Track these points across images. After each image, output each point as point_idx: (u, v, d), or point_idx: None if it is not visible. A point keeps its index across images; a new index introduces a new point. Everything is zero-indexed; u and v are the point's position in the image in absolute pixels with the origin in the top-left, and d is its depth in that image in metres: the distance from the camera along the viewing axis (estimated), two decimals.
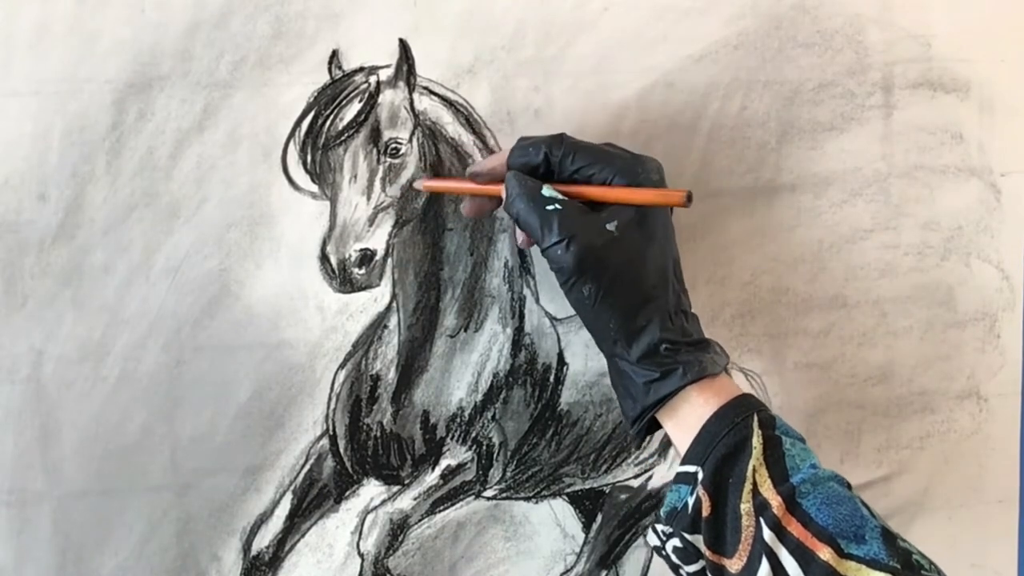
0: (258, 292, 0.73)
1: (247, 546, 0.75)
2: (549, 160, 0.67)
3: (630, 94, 0.77)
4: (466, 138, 0.75)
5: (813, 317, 0.82)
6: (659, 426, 0.67)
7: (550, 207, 0.64)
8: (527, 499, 0.80)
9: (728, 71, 0.78)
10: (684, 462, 0.64)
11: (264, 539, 0.75)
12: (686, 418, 0.65)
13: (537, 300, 0.78)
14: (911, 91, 0.82)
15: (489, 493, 0.79)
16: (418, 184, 0.73)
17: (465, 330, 0.76)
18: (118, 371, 0.71)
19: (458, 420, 0.77)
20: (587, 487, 0.81)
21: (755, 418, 0.63)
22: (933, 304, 0.84)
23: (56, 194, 0.69)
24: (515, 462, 0.78)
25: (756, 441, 0.62)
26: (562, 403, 0.78)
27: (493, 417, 0.77)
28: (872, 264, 0.82)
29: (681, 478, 0.64)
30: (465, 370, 0.77)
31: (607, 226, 0.64)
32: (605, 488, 0.81)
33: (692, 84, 0.78)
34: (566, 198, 0.65)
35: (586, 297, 0.65)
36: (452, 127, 0.74)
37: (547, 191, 0.65)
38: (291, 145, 0.72)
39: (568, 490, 0.80)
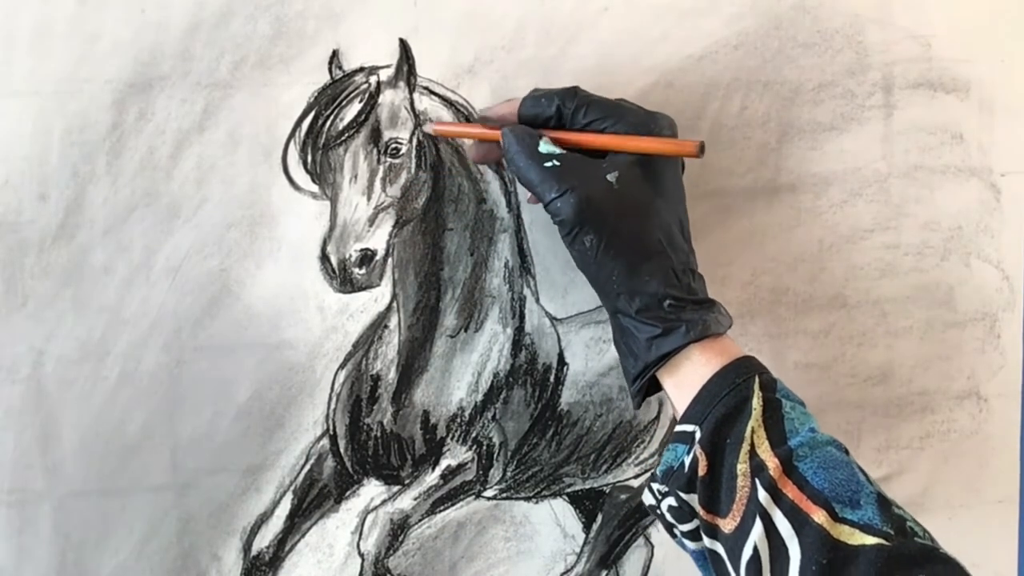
0: (258, 292, 0.73)
1: (247, 546, 0.75)
2: (561, 112, 0.66)
3: (630, 94, 0.77)
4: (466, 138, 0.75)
5: (813, 317, 0.82)
6: (659, 388, 0.66)
7: (547, 163, 0.64)
8: (527, 499, 0.80)
9: (728, 71, 0.78)
10: (683, 421, 0.63)
11: (264, 539, 0.75)
12: (687, 377, 0.64)
13: (537, 300, 0.78)
14: (911, 91, 0.82)
15: (489, 493, 0.79)
16: (428, 127, 0.73)
17: (465, 330, 0.76)
18: (118, 371, 0.71)
19: (458, 420, 0.77)
20: (587, 487, 0.81)
21: (756, 380, 0.62)
22: (933, 304, 0.84)
23: (56, 194, 0.69)
24: (515, 462, 0.78)
25: (756, 403, 0.61)
26: (562, 403, 0.78)
27: (493, 417, 0.77)
28: (872, 264, 0.82)
29: (679, 437, 0.63)
30: (465, 370, 0.77)
31: (607, 176, 0.64)
32: (605, 488, 0.81)
33: (692, 84, 0.78)
34: (564, 151, 0.65)
35: (588, 248, 0.64)
36: None
37: (544, 147, 0.65)
38: (291, 145, 0.72)
39: (568, 490, 0.80)
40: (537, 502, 0.80)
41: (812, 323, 0.82)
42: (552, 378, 0.78)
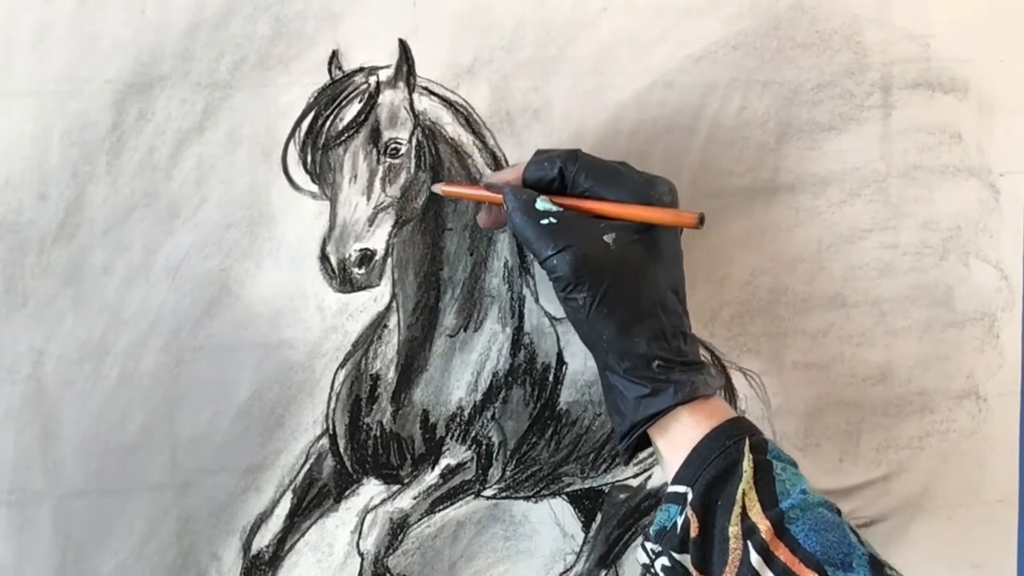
0: (258, 292, 0.73)
1: (247, 545, 0.75)
2: (563, 175, 0.67)
3: (629, 94, 0.77)
4: (466, 138, 0.75)
5: (812, 317, 0.82)
6: (648, 443, 0.67)
7: (544, 220, 0.65)
8: (526, 498, 0.80)
9: (727, 71, 0.78)
10: (674, 482, 0.64)
11: (264, 538, 0.75)
12: (677, 438, 0.65)
13: (536, 300, 0.78)
14: (910, 91, 0.82)
15: (488, 492, 0.79)
16: (436, 188, 0.73)
17: (465, 330, 0.77)
18: (118, 371, 0.72)
19: (458, 419, 0.77)
20: (586, 486, 0.81)
21: (746, 442, 0.63)
22: (932, 304, 0.84)
23: (56, 194, 0.70)
24: (514, 461, 0.78)
25: (747, 465, 0.62)
26: (561, 402, 0.78)
27: (492, 416, 0.77)
28: (871, 264, 0.83)
29: (671, 498, 0.64)
30: (465, 369, 0.77)
31: (604, 237, 0.65)
32: (604, 487, 0.81)
33: (691, 84, 0.78)
34: (561, 209, 0.66)
35: (580, 306, 0.65)
36: (452, 127, 0.75)
37: (540, 204, 0.66)
38: (291, 145, 0.72)
39: (567, 489, 0.80)
40: (536, 501, 0.80)
41: (811, 323, 0.82)
42: (551, 377, 0.78)
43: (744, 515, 0.60)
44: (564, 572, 0.81)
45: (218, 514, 0.74)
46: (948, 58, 0.82)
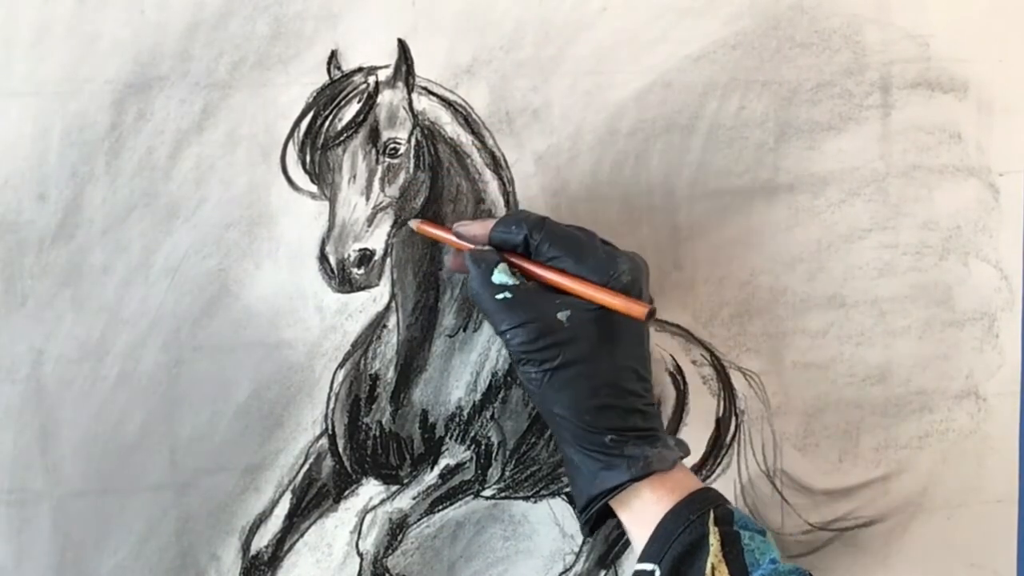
0: (257, 292, 0.73)
1: (246, 545, 0.75)
2: (528, 241, 0.67)
3: (628, 94, 0.77)
4: (465, 138, 0.75)
5: (811, 317, 0.82)
6: (611, 515, 0.67)
7: (499, 295, 0.65)
8: (526, 498, 0.80)
9: (726, 71, 0.78)
10: (641, 559, 0.64)
11: (263, 538, 0.75)
12: (640, 514, 0.65)
13: None
14: (909, 91, 0.82)
15: (488, 492, 0.79)
16: (412, 223, 0.73)
17: (464, 330, 0.77)
18: (117, 371, 0.72)
19: (457, 419, 0.77)
20: None
21: (711, 515, 0.62)
22: (931, 304, 0.84)
23: (56, 194, 0.70)
24: (514, 461, 0.78)
25: (713, 539, 0.62)
26: None
27: (492, 416, 0.77)
28: (870, 264, 0.83)
29: (638, 575, 0.63)
30: (464, 369, 0.77)
31: (559, 314, 0.64)
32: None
33: (690, 84, 0.78)
34: (518, 283, 0.65)
35: (533, 379, 0.65)
36: (451, 127, 0.75)
37: (498, 276, 0.65)
38: (290, 145, 0.72)
39: (567, 489, 0.80)
40: (536, 501, 0.80)
41: (810, 323, 0.82)
42: None
43: None
44: (563, 572, 0.81)
45: (217, 514, 0.74)
46: (947, 58, 0.82)
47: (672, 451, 0.66)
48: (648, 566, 0.63)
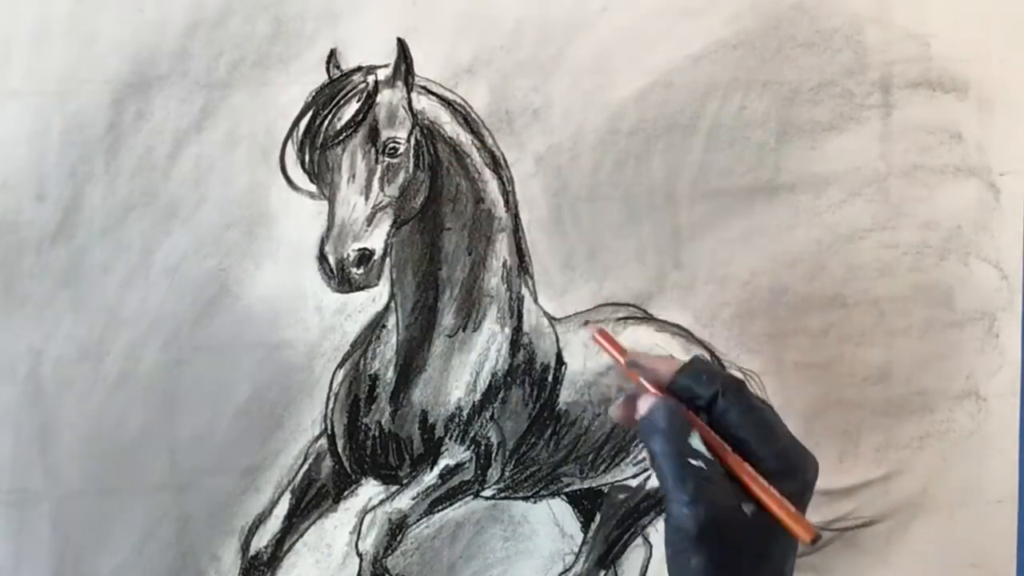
0: (257, 292, 0.73)
1: (246, 546, 0.75)
2: (715, 402, 0.61)
3: (629, 94, 0.77)
4: (464, 138, 0.75)
5: (812, 317, 0.82)
6: None
7: (694, 462, 0.58)
8: (525, 499, 0.80)
9: (727, 71, 0.78)
10: None
11: (263, 539, 0.75)
12: None
13: (535, 300, 0.78)
14: (910, 91, 0.82)
15: (487, 493, 0.79)
16: (592, 328, 0.72)
17: (463, 330, 0.76)
18: (117, 371, 0.71)
19: (456, 420, 0.77)
20: (585, 487, 0.81)
21: None
22: (932, 304, 0.84)
23: (55, 194, 0.69)
24: (513, 462, 0.78)
25: None
26: (560, 403, 0.78)
27: (491, 417, 0.77)
28: (871, 264, 0.82)
29: None
30: (463, 370, 0.77)
31: (743, 506, 0.58)
32: (603, 488, 0.81)
33: (691, 84, 0.78)
34: (712, 458, 0.59)
35: (691, 566, 0.57)
36: (450, 126, 0.74)
37: (696, 442, 0.59)
38: (289, 145, 0.72)
39: (566, 490, 0.80)
40: (535, 502, 0.80)
41: (811, 323, 0.82)
42: (550, 378, 0.78)
43: None
44: (563, 572, 0.81)
45: (217, 514, 0.74)
46: (948, 57, 0.82)
47: None
48: None
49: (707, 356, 0.80)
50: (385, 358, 0.76)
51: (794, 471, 0.60)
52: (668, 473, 0.59)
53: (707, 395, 0.62)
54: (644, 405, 0.62)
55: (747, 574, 0.58)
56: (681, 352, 0.80)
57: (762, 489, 0.58)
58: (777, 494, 0.58)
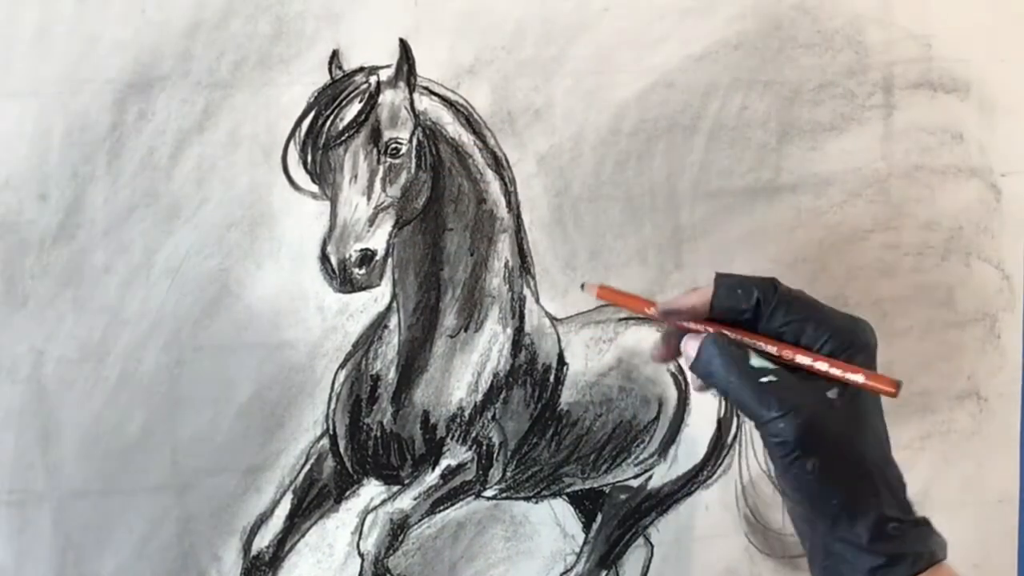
0: (258, 292, 0.73)
1: (247, 546, 0.75)
2: (759, 307, 0.60)
3: (630, 94, 0.77)
4: (466, 138, 0.75)
5: None
6: None
7: (764, 379, 0.58)
8: (527, 499, 0.80)
9: (728, 71, 0.78)
10: None
11: (264, 539, 0.75)
12: None
13: (537, 300, 0.78)
14: (911, 91, 0.82)
15: (489, 493, 0.79)
16: (589, 289, 0.67)
17: (465, 330, 0.76)
18: (119, 371, 0.71)
19: (458, 420, 0.77)
20: (587, 487, 0.81)
21: None
22: (933, 304, 0.84)
23: (57, 194, 0.69)
24: (515, 462, 0.78)
25: None
26: (562, 403, 0.78)
27: (493, 417, 0.77)
28: (872, 264, 0.83)
29: None
30: (465, 370, 0.77)
31: (828, 394, 0.58)
32: (605, 488, 0.81)
33: (692, 84, 0.78)
34: (778, 366, 0.59)
35: (809, 472, 0.57)
36: (452, 127, 0.75)
37: (756, 361, 0.59)
38: (291, 145, 0.72)
39: (568, 490, 0.80)
40: (537, 502, 0.80)
41: None
42: (552, 378, 0.78)
43: None
44: (564, 572, 0.81)
45: (218, 515, 0.74)
46: (950, 58, 0.82)
47: (942, 537, 0.61)
48: None
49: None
50: (387, 358, 0.76)
51: (853, 341, 0.60)
52: (747, 398, 0.58)
53: (751, 303, 0.60)
54: (691, 347, 0.61)
55: (860, 455, 0.58)
56: None
57: (835, 365, 0.58)
58: (847, 365, 0.58)
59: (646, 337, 0.79)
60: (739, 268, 0.80)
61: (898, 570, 0.58)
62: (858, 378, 0.58)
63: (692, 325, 0.62)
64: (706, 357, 0.60)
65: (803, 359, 0.59)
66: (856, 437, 0.59)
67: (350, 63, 0.72)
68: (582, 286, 0.69)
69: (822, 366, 0.58)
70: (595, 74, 0.76)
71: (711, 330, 0.61)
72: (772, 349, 0.59)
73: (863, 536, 0.58)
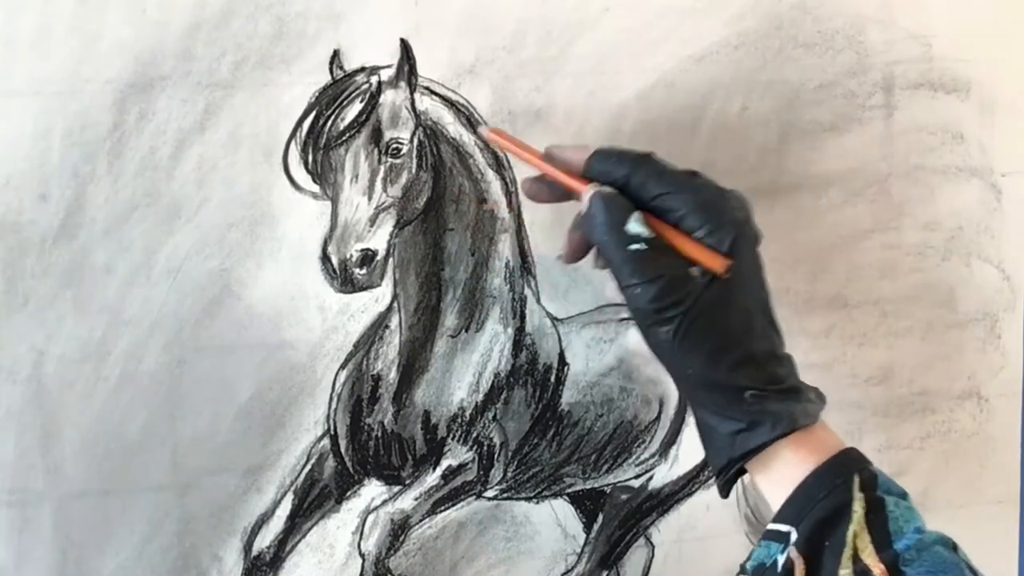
0: (259, 292, 0.73)
1: (248, 546, 0.75)
2: (630, 179, 0.63)
3: (631, 94, 0.77)
4: (467, 138, 0.75)
5: (814, 317, 0.82)
6: (744, 472, 0.63)
7: (633, 246, 0.61)
8: (528, 499, 0.80)
9: (729, 71, 0.78)
10: (777, 520, 0.61)
11: (265, 539, 0.75)
12: (779, 475, 0.61)
13: (538, 300, 0.78)
14: (912, 91, 0.82)
15: (490, 493, 0.79)
16: (483, 130, 0.70)
17: (466, 330, 0.76)
18: (119, 371, 0.71)
19: (459, 420, 0.77)
20: (588, 487, 0.81)
21: (856, 480, 0.59)
22: (934, 304, 0.84)
23: (57, 194, 0.69)
24: (516, 462, 0.78)
25: (857, 505, 0.58)
26: (563, 403, 0.78)
27: (494, 417, 0.77)
28: (873, 264, 0.83)
29: (772, 535, 0.60)
30: (466, 370, 0.77)
31: (691, 269, 0.61)
32: (606, 488, 0.81)
33: (693, 84, 0.78)
34: (653, 236, 0.61)
35: (663, 339, 0.61)
36: (453, 127, 0.75)
37: (633, 226, 0.61)
38: (292, 145, 0.72)
39: (569, 490, 0.80)
40: (538, 502, 0.80)
41: (813, 323, 0.82)
42: (553, 378, 0.78)
43: (856, 558, 0.57)
44: (565, 573, 0.81)
45: (219, 515, 0.74)
46: (950, 58, 0.82)
47: (815, 403, 0.63)
48: (784, 527, 0.60)
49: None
50: (388, 358, 0.76)
51: (720, 215, 0.62)
52: (615, 259, 0.61)
53: (621, 174, 0.63)
54: (584, 199, 0.63)
55: (720, 328, 0.61)
56: None
57: (673, 235, 0.61)
58: (690, 237, 0.61)
59: None
60: None
61: (756, 434, 0.60)
62: (689, 248, 0.61)
63: (571, 181, 0.65)
64: (592, 211, 0.62)
65: (662, 226, 0.62)
66: (717, 311, 0.61)
67: (351, 63, 0.72)
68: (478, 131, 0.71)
69: (669, 232, 0.61)
70: (595, 74, 0.76)
71: (604, 187, 0.63)
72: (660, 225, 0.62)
73: (721, 403, 0.61)
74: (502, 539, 0.79)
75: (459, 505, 0.78)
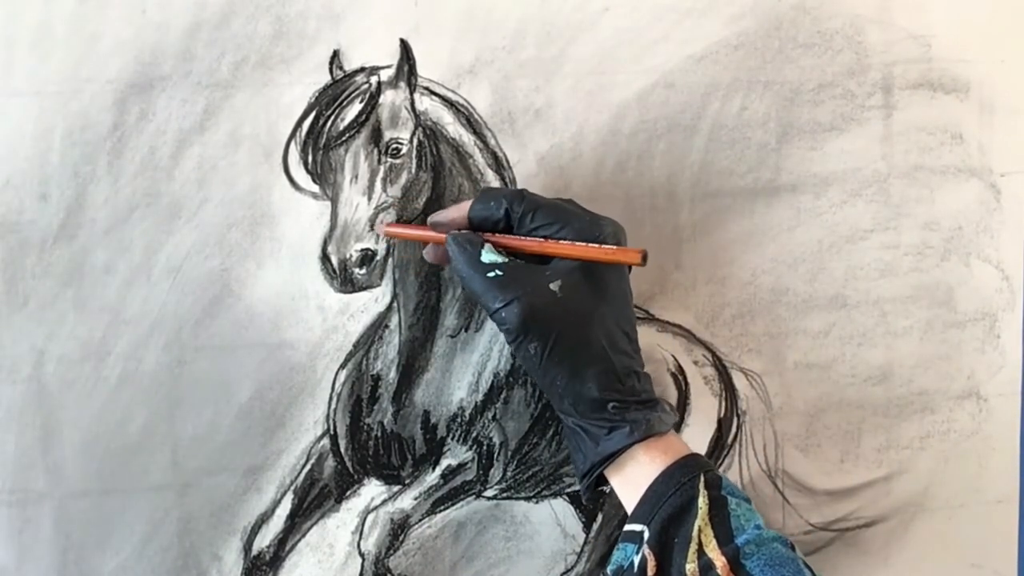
0: (259, 292, 0.73)
1: (248, 546, 0.75)
2: (509, 215, 0.67)
3: (630, 94, 0.77)
4: (467, 138, 0.75)
5: (813, 317, 0.82)
6: (607, 482, 0.67)
7: (490, 273, 0.65)
8: (527, 499, 0.80)
9: (728, 71, 0.78)
10: (631, 520, 0.65)
11: (265, 539, 0.75)
12: (633, 476, 0.65)
13: None
14: (911, 91, 0.82)
15: (490, 493, 0.79)
16: (378, 228, 0.73)
17: (466, 330, 0.76)
18: (119, 371, 0.71)
19: (459, 420, 0.77)
20: None
21: (701, 479, 0.63)
22: (933, 304, 0.84)
23: (58, 194, 0.69)
24: (516, 462, 0.78)
25: (702, 502, 0.62)
26: None
27: (494, 417, 0.77)
28: (872, 264, 0.83)
29: (628, 536, 0.64)
30: (466, 370, 0.77)
31: (551, 286, 0.65)
32: (605, 488, 0.81)
33: (692, 84, 0.78)
34: (507, 260, 0.66)
35: (532, 355, 0.65)
36: (453, 127, 0.75)
37: (486, 256, 0.66)
38: (292, 145, 0.72)
39: (568, 490, 0.80)
40: (537, 502, 0.80)
41: (812, 323, 0.82)
42: None
43: (700, 552, 0.61)
44: (565, 572, 0.81)
45: (219, 514, 0.74)
46: (949, 58, 0.82)
47: (669, 415, 0.67)
48: (637, 527, 0.64)
49: (708, 355, 0.80)
50: (387, 358, 0.76)
51: (599, 234, 0.67)
52: (477, 290, 0.65)
53: (499, 214, 0.67)
54: (445, 246, 0.68)
55: (582, 341, 0.65)
56: (683, 352, 0.80)
57: (568, 249, 0.66)
58: (586, 246, 0.65)
59: (645, 337, 0.79)
60: (739, 267, 0.80)
61: (616, 438, 0.65)
62: (599, 253, 0.65)
63: (452, 232, 0.68)
64: (452, 255, 0.67)
65: (537, 246, 0.66)
66: (576, 326, 0.65)
67: (351, 63, 0.73)
68: (376, 230, 0.73)
69: (552, 248, 0.66)
70: (595, 74, 0.76)
71: (456, 231, 0.68)
72: (517, 244, 0.67)
73: (585, 413, 0.66)
74: (502, 539, 0.80)
75: (459, 505, 0.78)
